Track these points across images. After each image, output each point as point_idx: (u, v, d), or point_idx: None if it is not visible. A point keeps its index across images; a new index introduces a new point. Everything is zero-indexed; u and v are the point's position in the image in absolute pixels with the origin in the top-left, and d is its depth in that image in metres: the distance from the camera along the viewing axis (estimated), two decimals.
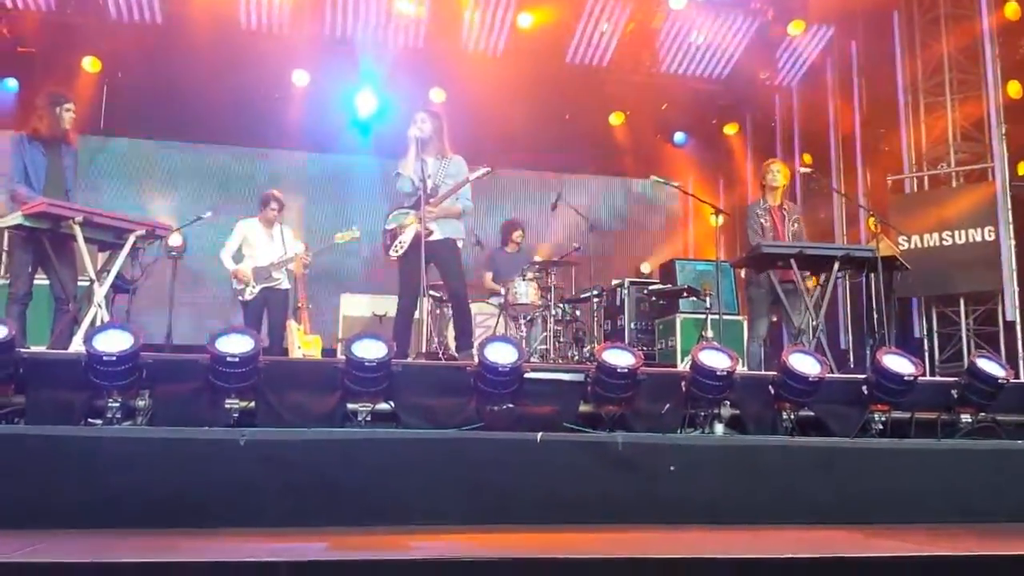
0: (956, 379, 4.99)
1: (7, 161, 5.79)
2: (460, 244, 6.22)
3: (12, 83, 10.47)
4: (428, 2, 10.20)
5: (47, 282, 5.84)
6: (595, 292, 8.63)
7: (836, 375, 5.17)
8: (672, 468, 3.75)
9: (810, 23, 10.76)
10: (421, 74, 10.85)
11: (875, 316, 7.03)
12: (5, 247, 6.91)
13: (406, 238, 5.96)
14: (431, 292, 7.51)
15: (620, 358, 4.39)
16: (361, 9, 10.24)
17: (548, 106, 11.43)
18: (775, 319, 7.48)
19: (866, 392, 4.77)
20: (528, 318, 8.33)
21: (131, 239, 5.62)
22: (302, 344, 7.38)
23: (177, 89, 10.36)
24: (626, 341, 9.09)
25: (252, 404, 4.16)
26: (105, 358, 3.86)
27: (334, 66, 10.62)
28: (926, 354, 9.13)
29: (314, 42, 10.52)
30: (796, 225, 7.09)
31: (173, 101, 10.47)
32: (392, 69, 10.52)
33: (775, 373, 4.71)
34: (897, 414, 4.77)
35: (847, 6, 10.48)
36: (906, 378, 4.62)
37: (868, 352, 7.35)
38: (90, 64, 10.42)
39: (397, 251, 5.96)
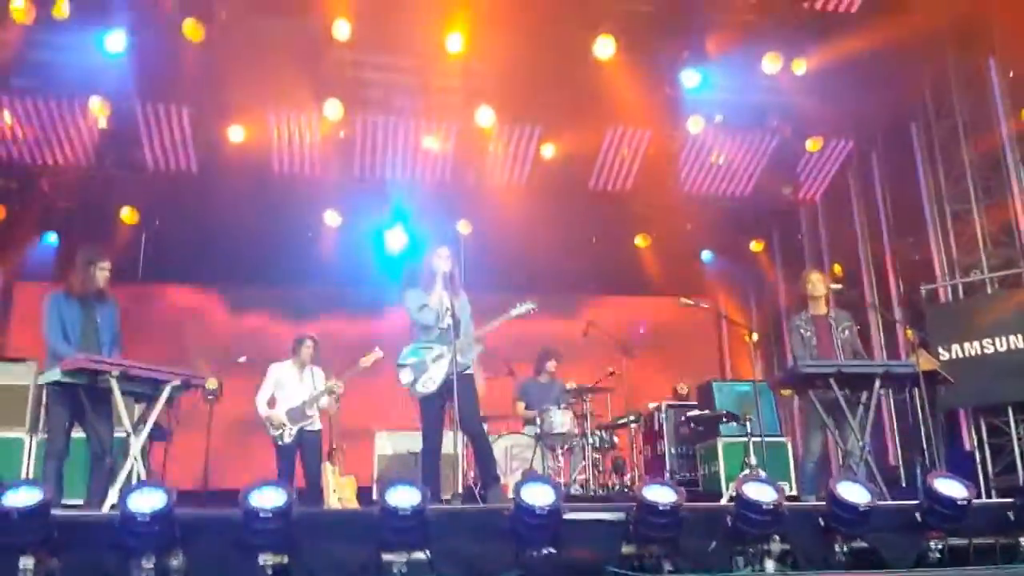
0: (1012, 500, 4.79)
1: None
2: None
3: (52, 238, 10.83)
4: (453, 138, 10.51)
5: (84, 435, 5.85)
6: (632, 418, 8.51)
7: (887, 503, 4.99)
8: None
9: (828, 138, 10.94)
10: (448, 208, 11.14)
11: (922, 433, 6.82)
12: (44, 402, 6.98)
13: (435, 374, 5.91)
14: None
15: (661, 495, 4.26)
16: (389, 148, 10.58)
17: (574, 232, 11.63)
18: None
19: (919, 518, 4.59)
20: (566, 447, 8.22)
21: (167, 390, 5.66)
22: (336, 486, 7.30)
23: (213, 235, 10.70)
24: (667, 467, 8.93)
25: (286, 559, 4.08)
26: (139, 518, 3.82)
27: (364, 204, 10.92)
28: (978, 466, 8.79)
29: (344, 183, 10.85)
30: (846, 333, 6.67)
31: (209, 247, 10.79)
32: (420, 205, 10.79)
33: (823, 504, 4.56)
34: (954, 540, 4.57)
35: (864, 120, 10.67)
36: (959, 502, 4.44)
37: (918, 471, 7.12)
38: (128, 215, 10.77)
39: (426, 387, 5.90)
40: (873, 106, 10.32)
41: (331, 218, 11.17)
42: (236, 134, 10.09)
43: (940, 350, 8.57)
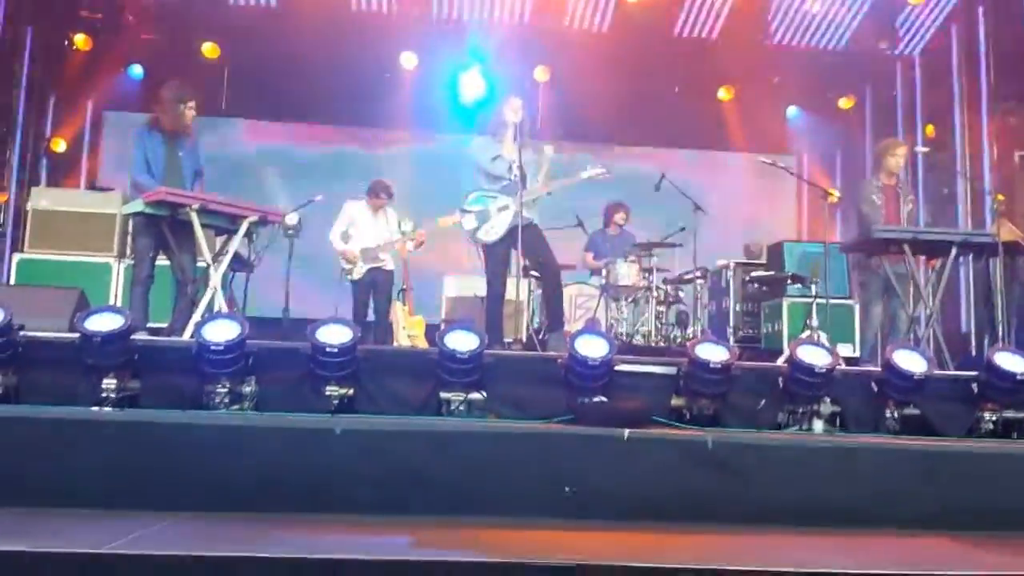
0: None
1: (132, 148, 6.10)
2: None
3: (138, 70, 11.01)
4: None
5: (169, 263, 6.13)
6: (698, 274, 8.50)
7: (943, 372, 4.97)
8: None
9: None
10: (526, 52, 10.86)
11: (995, 304, 6.69)
12: (130, 231, 7.29)
13: (498, 223, 6.01)
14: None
15: (714, 353, 4.34)
16: None
17: (654, 82, 11.30)
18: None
19: (976, 390, 4.58)
20: (630, 299, 8.30)
21: (244, 225, 5.87)
22: (407, 324, 7.56)
23: (292, 72, 10.69)
24: (731, 324, 8.96)
25: (351, 391, 4.33)
26: (213, 347, 4.07)
27: (441, 47, 10.75)
28: None
29: (422, 23, 10.66)
30: (911, 206, 6.85)
31: (288, 83, 10.82)
32: (497, 48, 10.56)
33: (878, 370, 4.58)
34: (1008, 413, 4.56)
35: None
36: (1018, 377, 4.41)
37: (986, 342, 7.04)
38: (210, 49, 10.84)
39: (489, 236, 6.02)
40: None
41: (407, 60, 11.04)
42: None
43: None
